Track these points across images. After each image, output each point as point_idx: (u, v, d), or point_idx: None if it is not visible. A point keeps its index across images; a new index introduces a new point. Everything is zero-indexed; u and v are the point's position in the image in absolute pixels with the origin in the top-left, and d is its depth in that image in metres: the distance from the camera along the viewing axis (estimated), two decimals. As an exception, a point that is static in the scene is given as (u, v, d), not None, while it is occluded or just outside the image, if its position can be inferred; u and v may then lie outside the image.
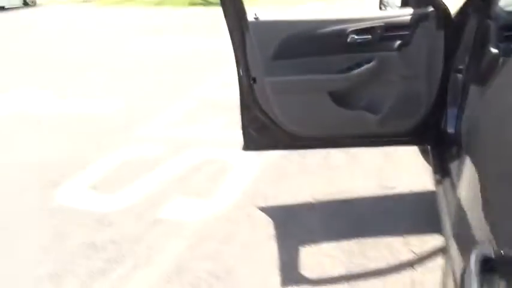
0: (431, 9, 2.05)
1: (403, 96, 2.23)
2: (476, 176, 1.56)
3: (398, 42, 2.09)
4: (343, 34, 2.10)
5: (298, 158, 3.14)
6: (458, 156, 2.15)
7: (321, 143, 2.55)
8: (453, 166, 2.12)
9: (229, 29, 2.18)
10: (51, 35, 10.36)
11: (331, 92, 2.23)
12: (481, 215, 1.43)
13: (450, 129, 2.31)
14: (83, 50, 8.01)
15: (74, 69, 6.46)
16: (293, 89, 2.25)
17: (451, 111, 2.33)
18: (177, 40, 8.48)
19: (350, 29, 2.09)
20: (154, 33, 9.53)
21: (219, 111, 4.28)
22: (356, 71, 2.16)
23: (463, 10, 2.13)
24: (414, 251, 2.08)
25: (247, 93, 2.28)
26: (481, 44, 2.11)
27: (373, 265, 2.03)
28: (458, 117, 2.31)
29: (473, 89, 2.25)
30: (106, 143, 3.66)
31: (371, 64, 2.14)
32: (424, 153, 2.82)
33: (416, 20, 2.07)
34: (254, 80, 2.22)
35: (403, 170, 2.88)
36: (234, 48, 2.21)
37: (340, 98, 2.25)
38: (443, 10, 2.06)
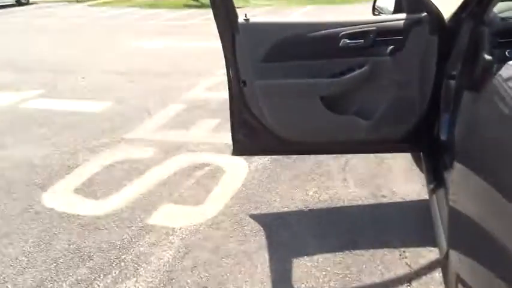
0: (424, 14, 2.02)
1: (396, 102, 2.20)
2: (470, 185, 1.53)
3: (391, 47, 2.06)
4: (335, 38, 2.07)
5: (290, 163, 3.09)
6: (452, 164, 2.13)
7: (312, 148, 2.52)
8: (447, 175, 2.09)
9: (219, 31, 2.13)
10: (43, 34, 10.23)
11: (322, 96, 2.19)
12: (475, 226, 1.40)
13: (443, 136, 2.29)
14: (75, 50, 7.89)
15: (65, 70, 6.35)
16: (284, 93, 2.21)
17: (444, 118, 2.31)
18: (170, 42, 8.41)
19: (342, 33, 2.06)
20: (147, 35, 9.45)
21: (210, 113, 4.23)
22: (348, 76, 2.13)
23: (456, 15, 2.11)
24: (410, 264, 2.04)
25: (236, 96, 2.24)
26: (475, 50, 2.08)
27: (368, 280, 1.98)
28: (451, 124, 2.29)
29: (466, 96, 2.23)
30: (94, 145, 3.57)
31: (363, 69, 2.11)
32: (417, 160, 2.80)
33: (410, 25, 2.04)
34: (244, 83, 2.18)
35: (397, 176, 2.85)
36: (223, 51, 2.17)
37: (331, 103, 2.21)
38: (436, 15, 2.04)
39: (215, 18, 2.11)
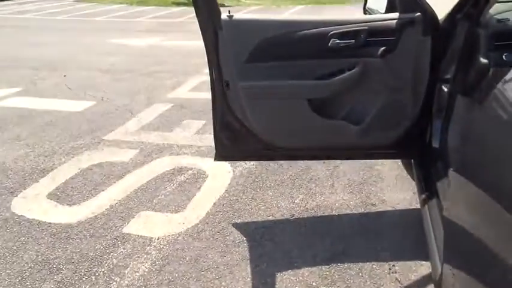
0: (417, 14, 1.91)
1: (387, 106, 2.09)
2: (468, 197, 1.43)
3: (383, 48, 1.94)
4: (324, 37, 1.95)
5: (277, 168, 2.96)
6: (445, 173, 2.02)
7: (299, 154, 2.40)
8: (440, 185, 1.99)
9: (201, 28, 2.01)
10: (25, 30, 9.97)
11: (310, 99, 2.08)
12: (473, 240, 1.30)
13: (435, 143, 2.19)
14: (58, 46, 7.66)
15: (46, 67, 6.12)
16: (269, 95, 2.08)
17: (437, 124, 2.20)
18: (157, 39, 8.22)
19: (332, 32, 1.94)
20: (134, 32, 9.25)
21: (195, 114, 4.08)
22: (337, 78, 2.01)
23: (451, 16, 2.01)
24: (400, 279, 1.93)
25: (219, 98, 2.12)
26: (470, 53, 1.98)
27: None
28: (444, 130, 2.19)
29: (460, 101, 2.13)
30: (72, 146, 3.40)
31: (353, 71, 1.99)
32: (407, 167, 2.69)
33: (402, 26, 1.93)
34: (227, 84, 2.05)
35: (387, 184, 2.74)
36: (206, 49, 2.04)
37: (319, 106, 2.10)
38: (430, 15, 1.94)
39: (197, 15, 1.99)
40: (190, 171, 2.98)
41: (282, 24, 2.04)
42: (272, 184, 2.79)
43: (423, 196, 1.99)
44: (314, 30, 1.97)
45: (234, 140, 2.23)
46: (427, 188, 2.00)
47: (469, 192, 1.35)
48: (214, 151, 2.29)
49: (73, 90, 5.01)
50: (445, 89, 2.16)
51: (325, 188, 2.72)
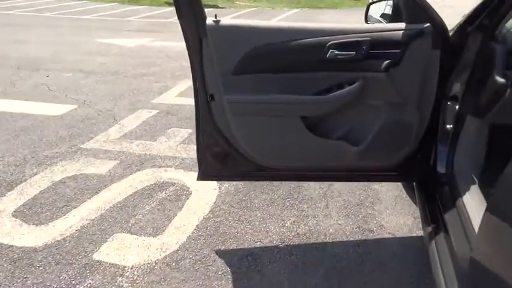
0: (427, 25, 1.70)
1: (389, 125, 1.88)
2: (486, 234, 1.22)
3: (386, 61, 1.73)
4: (322, 47, 1.73)
5: (266, 185, 2.74)
6: (454, 203, 1.82)
7: (291, 175, 2.18)
8: (448, 217, 1.78)
9: (184, 34, 1.78)
10: (10, 28, 9.65)
11: (304, 116, 1.85)
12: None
13: (440, 168, 1.98)
14: (43, 46, 7.36)
15: (28, 67, 5.84)
16: (258, 111, 1.86)
17: (442, 146, 2.00)
18: (146, 40, 7.96)
19: (331, 42, 1.72)
20: (124, 32, 8.98)
21: (182, 122, 3.85)
22: (335, 94, 1.79)
23: (461, 28, 1.80)
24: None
25: (203, 112, 1.89)
26: (484, 70, 1.78)
27: None
28: (450, 154, 1.98)
29: (470, 122, 1.93)
30: (47, 155, 3.14)
31: (353, 86, 1.77)
32: (408, 189, 2.48)
33: (410, 37, 1.72)
34: (212, 97, 1.83)
35: (385, 206, 2.53)
36: (189, 58, 1.82)
37: (315, 125, 1.88)
38: (440, 27, 1.72)
39: (179, 19, 1.76)
40: (172, 187, 2.75)
41: (275, 32, 1.81)
42: (261, 204, 2.57)
43: (429, 230, 1.77)
44: (310, 39, 1.75)
45: (219, 158, 2.00)
46: (434, 220, 1.79)
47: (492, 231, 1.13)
48: (198, 169, 2.06)
49: (54, 92, 4.75)
50: (453, 108, 1.96)
51: (319, 210, 2.50)
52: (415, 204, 2.31)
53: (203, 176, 2.08)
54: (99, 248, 2.15)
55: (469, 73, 1.83)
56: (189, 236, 2.27)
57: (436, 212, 1.85)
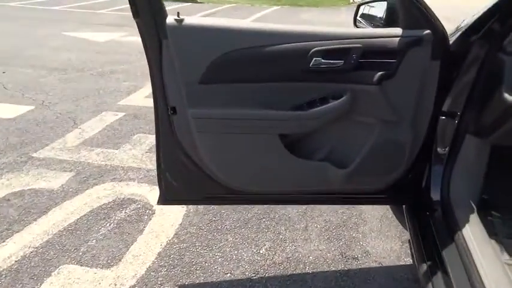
0: (426, 32, 1.45)
1: (380, 144, 1.63)
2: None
3: (380, 73, 1.47)
4: (304, 54, 1.45)
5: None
6: (452, 237, 1.58)
7: (266, 199, 1.90)
8: (446, 252, 1.54)
9: (141, 35, 1.49)
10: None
11: (283, 134, 1.58)
12: None
13: (434, 195, 1.75)
14: (7, 38, 6.86)
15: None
16: (229, 128, 1.57)
17: (437, 168, 1.77)
18: (119, 35, 7.54)
19: (315, 49, 1.44)
20: (94, 26, 8.51)
21: (151, 127, 3.51)
22: (319, 109, 1.52)
23: (463, 37, 1.56)
24: None
25: (164, 127, 1.60)
26: (490, 84, 1.55)
27: None
28: (446, 176, 1.75)
29: (470, 142, 1.70)
30: (-9, 166, 2.78)
31: (340, 100, 1.51)
32: (396, 212, 2.25)
33: (407, 45, 1.46)
34: (174, 110, 1.54)
35: (370, 228, 2.29)
36: (148, 64, 1.52)
37: (295, 144, 1.62)
38: (441, 34, 1.47)
39: (134, 17, 1.46)
40: (133, 205, 2.43)
41: (249, 35, 1.51)
42: (233, 225, 2.29)
43: (424, 268, 1.53)
44: (292, 44, 1.47)
45: (182, 179, 1.72)
46: (429, 256, 1.54)
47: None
48: (158, 193, 1.77)
49: (10, 90, 4.33)
50: (448, 125, 1.72)
51: (297, 233, 2.24)
52: (404, 227, 2.08)
53: (164, 200, 1.79)
54: (40, 285, 1.83)
55: (471, 88, 1.59)
56: (149, 266, 1.97)
57: (431, 245, 1.61)
